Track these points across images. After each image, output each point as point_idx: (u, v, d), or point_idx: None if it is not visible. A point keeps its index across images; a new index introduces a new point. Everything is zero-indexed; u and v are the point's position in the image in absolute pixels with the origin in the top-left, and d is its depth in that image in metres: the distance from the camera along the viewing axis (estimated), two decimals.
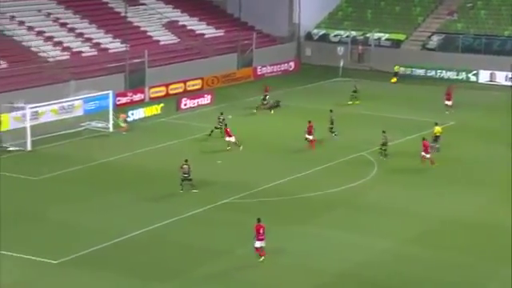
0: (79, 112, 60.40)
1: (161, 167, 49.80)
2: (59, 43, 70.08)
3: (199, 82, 72.49)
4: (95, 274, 35.66)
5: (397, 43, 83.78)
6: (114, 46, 73.03)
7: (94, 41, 72.52)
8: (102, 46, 72.57)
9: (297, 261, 37.16)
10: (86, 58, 69.95)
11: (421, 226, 41.37)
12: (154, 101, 66.49)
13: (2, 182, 47.46)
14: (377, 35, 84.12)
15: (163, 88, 69.74)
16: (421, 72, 79.47)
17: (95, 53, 71.40)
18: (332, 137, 56.24)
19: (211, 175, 48.09)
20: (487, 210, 43.92)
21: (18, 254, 37.27)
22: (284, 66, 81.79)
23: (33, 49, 68.07)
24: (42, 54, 67.90)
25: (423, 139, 51.23)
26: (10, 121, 56.17)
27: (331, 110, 57.73)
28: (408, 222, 41.84)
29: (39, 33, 70.11)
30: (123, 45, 71.65)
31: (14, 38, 68.46)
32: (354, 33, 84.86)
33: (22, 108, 55.62)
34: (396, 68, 78.35)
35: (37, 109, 56.67)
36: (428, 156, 50.45)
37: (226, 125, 54.90)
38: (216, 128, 56.11)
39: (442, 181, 48.39)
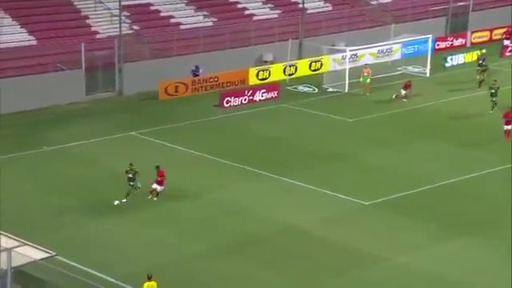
0: (397, 56, 60.67)
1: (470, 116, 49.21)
2: None
3: None
4: (405, 220, 35.97)
5: None
6: None
7: None
8: None
9: None
10: (408, 1, 69.44)
11: None
12: (475, 46, 65.04)
13: (318, 122, 49.34)
14: None
15: (487, 33, 68.00)
16: None
17: None
18: None
19: None
20: None
21: (330, 192, 38.47)
22: None
23: None
24: None
25: None
26: (330, 62, 57.69)
27: None
28: None
29: None
30: None
31: None
32: None
33: (343, 50, 56.95)
34: None
35: (356, 51, 57.64)
36: None
37: None
38: None
39: None
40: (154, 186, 37.47)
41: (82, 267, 30.41)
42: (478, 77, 55.54)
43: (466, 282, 30.77)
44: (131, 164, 37.43)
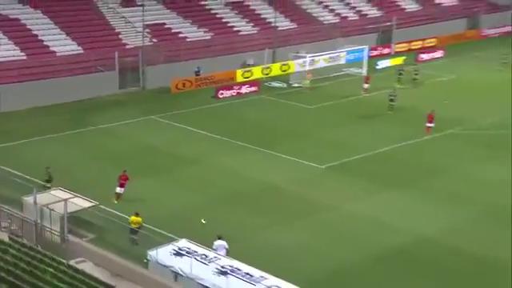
0: (343, 61, 60.19)
1: (402, 104, 48.67)
2: (332, 10, 69.93)
3: (434, 40, 69.32)
4: (351, 178, 35.81)
5: None
6: (372, 12, 71.68)
7: (357, 9, 71.55)
8: (363, 12, 71.44)
9: None
10: (350, 21, 69.22)
11: None
12: (398, 54, 64.56)
13: (288, 108, 48.92)
14: None
15: (406, 44, 67.62)
16: None
17: (357, 17, 70.48)
18: None
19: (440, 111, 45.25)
20: None
21: (297, 159, 38.16)
22: (505, 29, 75.00)
23: (314, 14, 68.30)
24: (319, 18, 67.95)
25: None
26: (295, 65, 57.25)
27: None
28: None
29: (319, 3, 70.34)
30: (379, 12, 70.39)
31: (302, 7, 68.75)
32: None
33: (304, 57, 56.48)
34: None
35: (314, 57, 57.20)
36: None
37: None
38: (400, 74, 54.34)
39: None
40: (118, 189, 31.94)
41: (119, 213, 30.03)
42: (400, 77, 54.86)
43: (399, 223, 30.63)
44: (48, 167, 32.93)
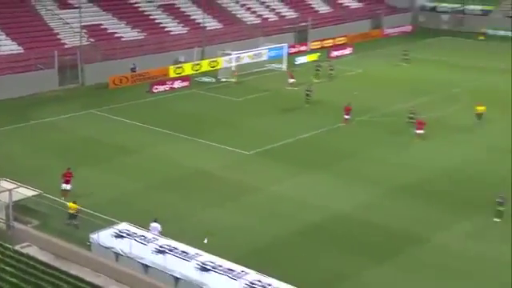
0: (265, 57, 60.44)
1: (319, 97, 49.03)
2: (254, 12, 69.99)
3: (344, 38, 70.53)
4: (274, 163, 36.07)
5: (486, 12, 78.26)
6: (289, 14, 72.11)
7: (276, 11, 71.81)
8: (282, 14, 71.80)
9: None
10: (271, 23, 69.36)
11: None
12: (313, 51, 65.33)
13: (217, 101, 48.76)
14: (472, 7, 79.16)
15: (319, 42, 68.35)
16: (503, 33, 73.20)
17: (276, 18, 70.77)
18: None
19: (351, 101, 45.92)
20: None
21: (226, 147, 38.15)
22: (404, 28, 77.84)
23: (238, 16, 68.34)
24: (243, 19, 67.92)
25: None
26: (222, 62, 57.20)
27: None
28: None
29: (243, 5, 70.30)
30: (295, 13, 70.93)
31: (228, 9, 68.83)
32: (455, 5, 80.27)
33: (230, 54, 56.51)
34: (483, 29, 73.83)
35: (239, 55, 57.29)
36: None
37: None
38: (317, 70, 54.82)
39: None
40: (64, 186, 30.25)
41: (62, 200, 29.41)
42: (318, 72, 55.36)
43: (317, 201, 31.16)
44: None
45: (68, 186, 30.35)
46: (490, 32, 74.27)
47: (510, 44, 67.10)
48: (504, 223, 28.69)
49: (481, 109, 42.67)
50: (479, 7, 79.17)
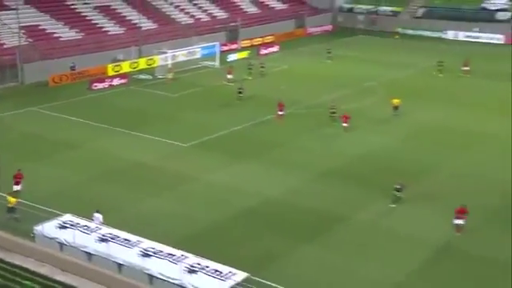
0: (198, 55, 60.23)
1: (252, 93, 49.07)
2: (187, 13, 69.39)
3: (272, 37, 70.86)
4: (210, 153, 36.02)
5: (396, 13, 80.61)
6: (220, 14, 71.94)
7: (208, 11, 71.44)
8: (213, 14, 71.49)
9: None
10: (203, 23, 68.87)
11: None
12: (244, 49, 65.60)
13: (154, 97, 48.22)
14: (384, 8, 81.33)
15: (249, 41, 68.52)
16: (411, 32, 76.05)
17: (209, 19, 70.32)
18: None
19: (279, 95, 46.21)
20: None
21: (164, 139, 37.85)
22: (325, 28, 79.12)
23: (172, 16, 67.62)
24: (177, 20, 67.32)
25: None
26: (159, 60, 56.52)
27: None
28: None
29: (176, 7, 69.65)
30: (226, 14, 70.86)
31: (162, 10, 68.09)
32: (369, 6, 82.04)
33: (166, 52, 55.92)
34: (397, 29, 76.11)
35: (174, 53, 56.75)
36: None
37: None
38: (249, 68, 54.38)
39: None
40: (14, 187, 28.85)
41: (4, 195, 28.43)
42: (250, 70, 54.89)
43: (249, 188, 31.21)
44: None
45: (18, 187, 29.17)
46: (400, 31, 76.54)
47: (420, 42, 69.42)
48: (402, 205, 29.62)
49: (396, 101, 43.90)
50: (390, 8, 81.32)
